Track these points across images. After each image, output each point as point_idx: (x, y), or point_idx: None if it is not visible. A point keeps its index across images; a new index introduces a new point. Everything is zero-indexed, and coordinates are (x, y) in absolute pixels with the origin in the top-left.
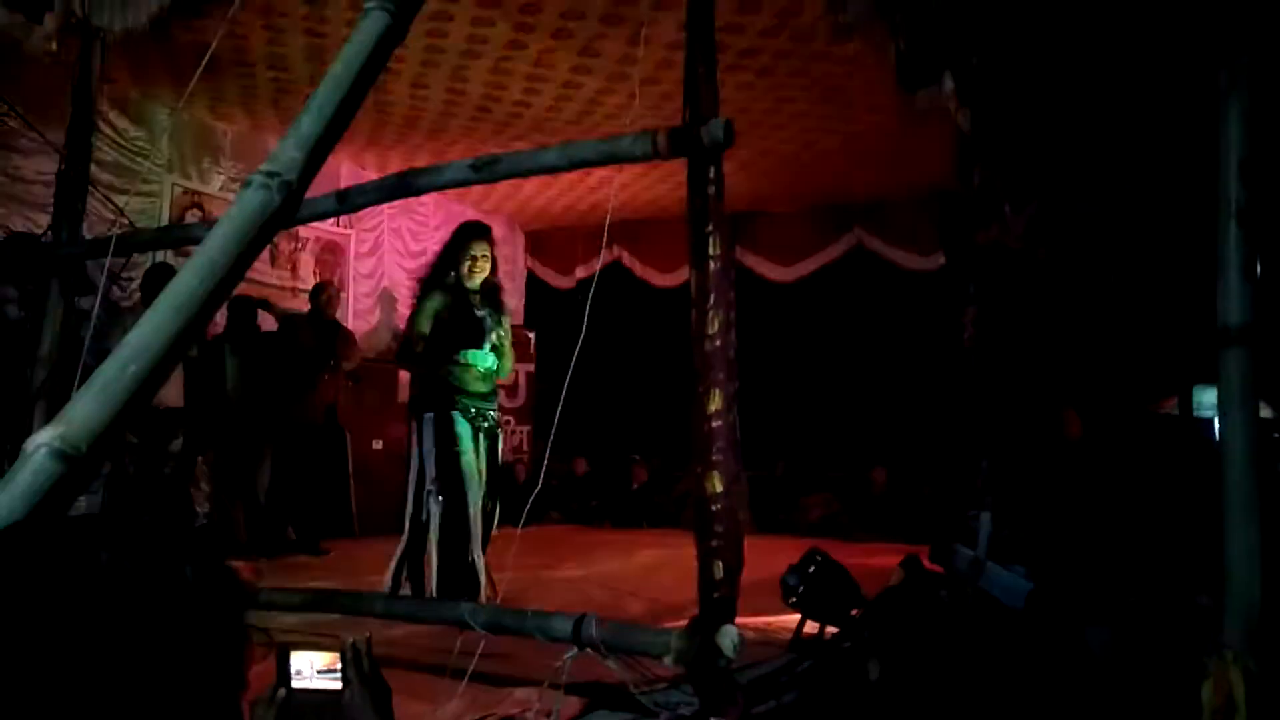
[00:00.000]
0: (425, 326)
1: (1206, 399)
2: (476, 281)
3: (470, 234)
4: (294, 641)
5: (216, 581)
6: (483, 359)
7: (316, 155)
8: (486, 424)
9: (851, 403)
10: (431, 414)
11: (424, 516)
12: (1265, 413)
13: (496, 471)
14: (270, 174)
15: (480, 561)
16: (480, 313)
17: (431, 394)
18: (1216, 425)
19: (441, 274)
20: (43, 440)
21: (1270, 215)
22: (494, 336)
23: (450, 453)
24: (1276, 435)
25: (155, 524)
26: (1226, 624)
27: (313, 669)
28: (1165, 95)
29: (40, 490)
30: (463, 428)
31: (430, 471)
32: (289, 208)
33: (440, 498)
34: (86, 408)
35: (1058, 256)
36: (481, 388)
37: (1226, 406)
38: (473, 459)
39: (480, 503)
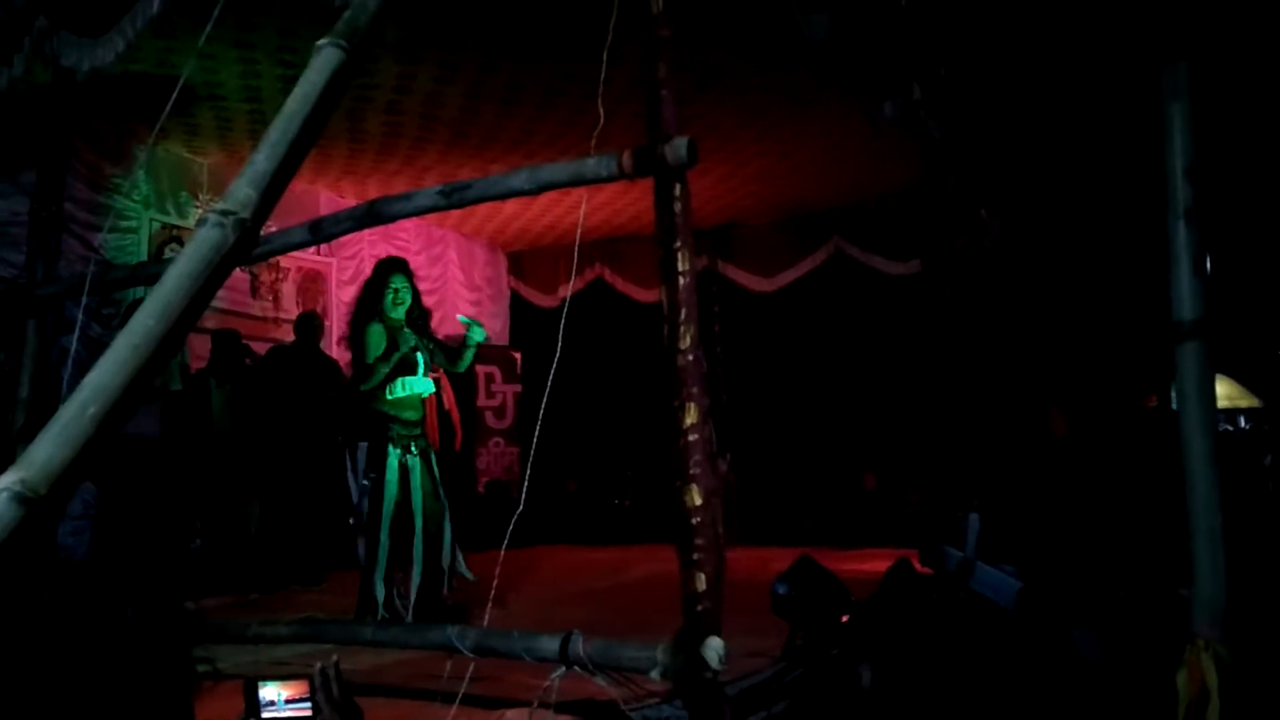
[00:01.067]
0: (380, 357)
1: None
2: (400, 313)
3: (387, 269)
4: (261, 674)
5: (160, 618)
6: (425, 386)
7: (271, 192)
8: (419, 446)
9: (839, 409)
10: (365, 444)
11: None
12: (1256, 403)
13: (438, 486)
14: (225, 212)
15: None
16: (411, 343)
17: (366, 424)
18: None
19: (369, 309)
20: (4, 484)
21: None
22: (423, 362)
23: (378, 485)
24: (1267, 427)
25: (99, 565)
26: (1195, 613)
27: (282, 699)
28: (1123, 100)
29: (2, 533)
30: (392, 459)
31: (364, 504)
32: (244, 245)
33: (363, 532)
34: (46, 450)
35: (1035, 257)
36: (413, 415)
37: (1185, 400)
38: (394, 491)
39: (388, 527)
